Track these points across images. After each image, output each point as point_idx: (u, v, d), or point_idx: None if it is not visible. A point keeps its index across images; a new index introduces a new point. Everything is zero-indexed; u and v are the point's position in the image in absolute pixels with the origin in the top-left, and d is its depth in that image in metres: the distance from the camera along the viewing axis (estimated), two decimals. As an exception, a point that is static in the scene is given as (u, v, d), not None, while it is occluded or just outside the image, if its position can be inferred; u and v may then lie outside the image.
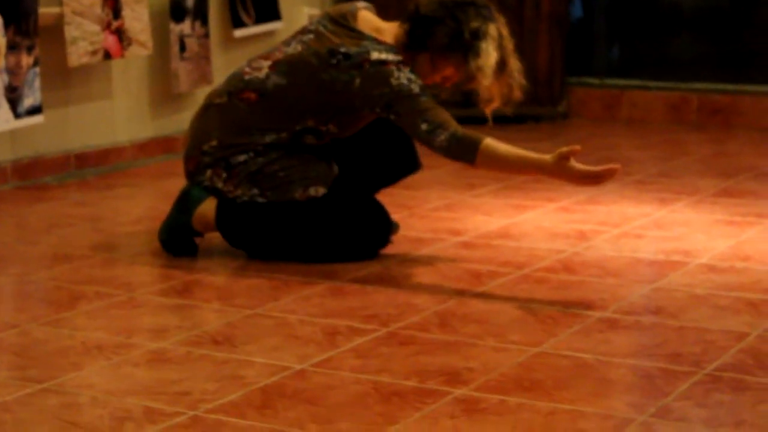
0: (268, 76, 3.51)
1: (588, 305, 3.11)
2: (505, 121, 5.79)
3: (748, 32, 6.23)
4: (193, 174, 3.58)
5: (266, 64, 3.53)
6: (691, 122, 6.17)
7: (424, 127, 3.35)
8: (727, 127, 6.05)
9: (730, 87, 6.17)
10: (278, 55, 3.54)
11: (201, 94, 5.31)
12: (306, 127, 3.48)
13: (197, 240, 3.62)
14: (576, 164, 3.24)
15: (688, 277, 3.37)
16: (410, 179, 3.71)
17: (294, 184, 3.48)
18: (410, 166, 3.73)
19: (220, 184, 3.52)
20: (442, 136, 3.33)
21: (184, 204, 3.57)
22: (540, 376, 2.59)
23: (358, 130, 3.58)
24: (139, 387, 2.53)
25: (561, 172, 3.25)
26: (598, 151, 5.37)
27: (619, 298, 3.18)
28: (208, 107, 3.60)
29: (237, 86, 3.54)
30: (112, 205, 4.40)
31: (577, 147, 3.23)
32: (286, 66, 3.50)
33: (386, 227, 3.59)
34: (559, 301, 3.15)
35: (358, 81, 3.41)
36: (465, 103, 3.69)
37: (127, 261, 3.60)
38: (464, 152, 3.32)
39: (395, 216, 3.82)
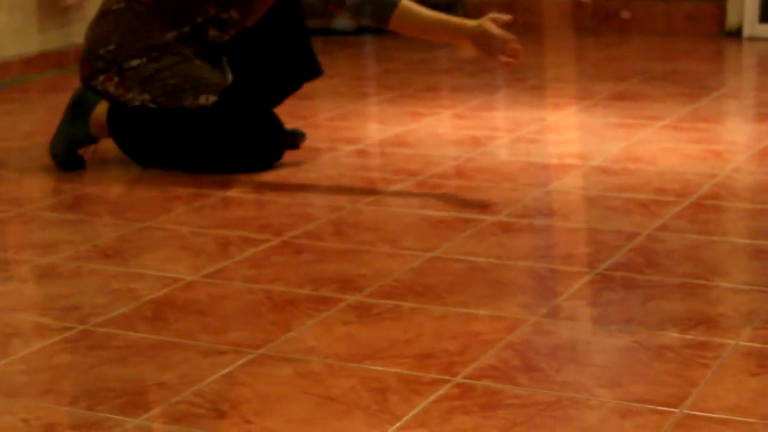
0: None
1: (482, 209, 3.12)
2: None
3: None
4: (87, 79, 3.54)
5: None
6: (585, 28, 6.19)
7: None
8: (621, 32, 6.08)
9: (623, -8, 6.18)
10: None
11: (90, 7, 5.20)
12: (208, 17, 3.43)
13: (90, 148, 3.56)
14: (494, 27, 3.27)
15: (581, 179, 3.40)
16: (305, 89, 3.68)
17: (185, 92, 3.43)
18: (311, 71, 3.68)
19: (111, 89, 3.48)
20: None
21: (79, 109, 3.52)
22: (433, 281, 2.59)
23: (260, 15, 3.51)
24: (27, 303, 2.49)
25: (480, 33, 3.26)
26: (493, 57, 5.37)
27: (513, 201, 3.19)
28: (104, 14, 3.55)
29: None
30: (-1, 121, 4.31)
31: (508, 16, 3.30)
32: None
33: (279, 139, 3.55)
34: (453, 206, 3.16)
35: None
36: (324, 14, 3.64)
37: (16, 176, 3.52)
38: (381, 6, 3.28)
39: (292, 126, 3.79)
